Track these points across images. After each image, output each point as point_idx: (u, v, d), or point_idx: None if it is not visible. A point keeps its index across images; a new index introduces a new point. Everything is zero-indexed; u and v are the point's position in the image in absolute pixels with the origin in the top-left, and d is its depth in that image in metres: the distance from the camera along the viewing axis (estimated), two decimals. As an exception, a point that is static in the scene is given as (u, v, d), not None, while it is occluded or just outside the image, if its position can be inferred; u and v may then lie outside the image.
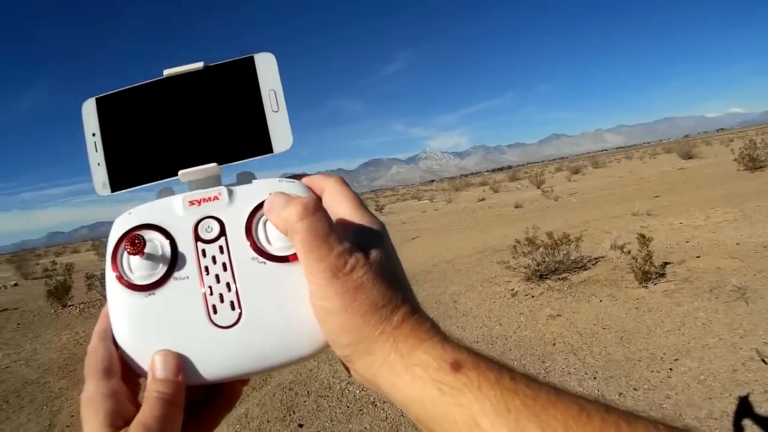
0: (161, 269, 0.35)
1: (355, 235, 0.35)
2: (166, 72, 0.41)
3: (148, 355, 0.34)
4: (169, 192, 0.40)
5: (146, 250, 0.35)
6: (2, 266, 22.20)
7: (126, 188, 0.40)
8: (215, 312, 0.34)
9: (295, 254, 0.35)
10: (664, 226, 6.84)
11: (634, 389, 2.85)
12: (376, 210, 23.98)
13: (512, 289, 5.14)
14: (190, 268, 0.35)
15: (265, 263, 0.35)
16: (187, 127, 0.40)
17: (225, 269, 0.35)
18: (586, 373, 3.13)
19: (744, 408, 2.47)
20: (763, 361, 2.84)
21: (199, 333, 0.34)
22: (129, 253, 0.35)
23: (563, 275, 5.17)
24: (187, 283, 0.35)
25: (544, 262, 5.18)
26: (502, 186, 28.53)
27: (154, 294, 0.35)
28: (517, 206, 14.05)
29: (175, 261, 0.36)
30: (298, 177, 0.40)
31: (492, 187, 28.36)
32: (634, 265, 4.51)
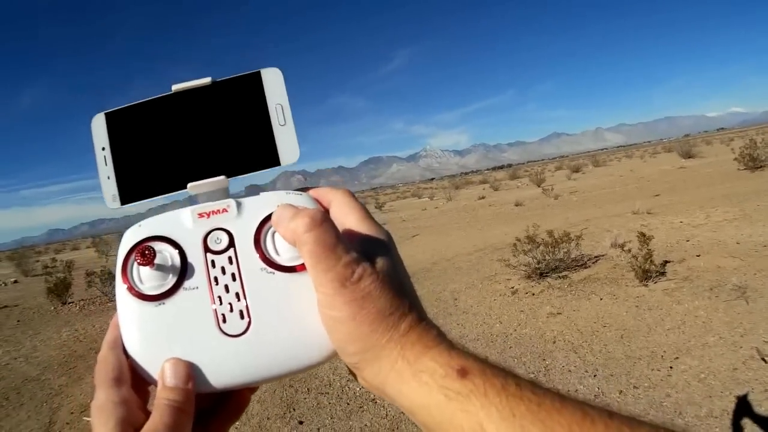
0: (171, 279, 0.36)
1: (361, 245, 0.35)
2: (175, 87, 0.41)
3: (158, 364, 0.34)
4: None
5: (156, 261, 0.35)
6: (2, 263, 22.22)
7: (136, 201, 0.41)
8: (224, 321, 0.35)
9: (303, 264, 0.35)
10: (664, 225, 6.85)
11: (635, 387, 2.86)
12: (376, 208, 24.00)
13: (512, 287, 5.15)
14: (199, 279, 0.36)
15: (273, 273, 0.36)
16: (196, 140, 0.41)
17: (234, 279, 0.36)
18: (586, 371, 3.14)
19: (744, 407, 2.47)
20: (764, 359, 2.85)
21: (208, 342, 0.34)
22: (139, 264, 0.35)
23: (563, 273, 5.18)
24: (196, 293, 0.36)
25: (545, 260, 5.19)
26: (502, 184, 28.55)
27: (164, 304, 0.35)
28: (517, 204, 14.07)
29: (184, 271, 0.36)
30: (305, 189, 0.41)
31: (492, 185, 28.38)
32: (635, 263, 4.51)
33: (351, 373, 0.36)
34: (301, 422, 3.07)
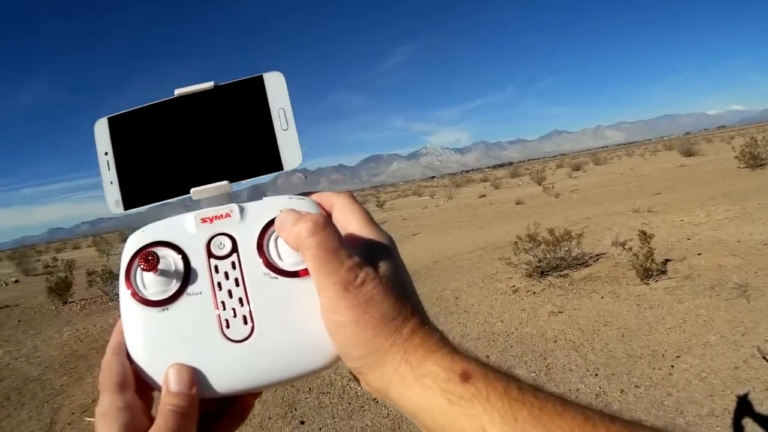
0: (174, 285, 0.36)
1: (364, 249, 0.35)
2: (177, 91, 0.41)
3: (161, 369, 0.34)
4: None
5: (160, 267, 0.35)
6: (3, 263, 22.26)
7: (139, 206, 0.41)
8: (228, 326, 0.35)
9: (306, 269, 0.35)
10: (665, 223, 6.85)
11: (636, 386, 2.86)
12: (377, 206, 23.99)
13: (513, 286, 5.15)
14: (203, 284, 0.36)
15: (276, 278, 0.36)
16: (199, 145, 0.41)
17: (237, 284, 0.36)
18: (587, 370, 3.14)
19: (745, 405, 2.48)
20: (765, 358, 2.85)
21: (212, 347, 0.35)
22: (143, 270, 0.36)
23: (564, 272, 5.18)
24: (200, 298, 0.36)
25: (546, 258, 5.19)
26: (502, 182, 28.53)
27: (167, 309, 0.35)
28: (518, 203, 14.07)
29: (188, 277, 0.36)
30: (307, 194, 0.41)
31: (493, 183, 28.37)
32: (636, 261, 4.51)
33: (354, 377, 0.36)
34: (302, 422, 3.07)
